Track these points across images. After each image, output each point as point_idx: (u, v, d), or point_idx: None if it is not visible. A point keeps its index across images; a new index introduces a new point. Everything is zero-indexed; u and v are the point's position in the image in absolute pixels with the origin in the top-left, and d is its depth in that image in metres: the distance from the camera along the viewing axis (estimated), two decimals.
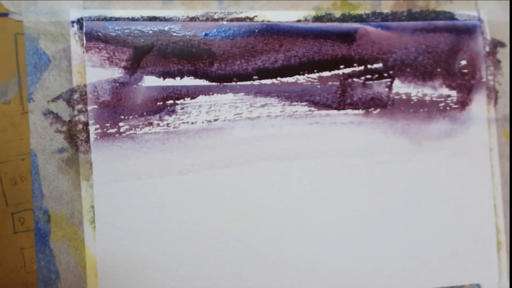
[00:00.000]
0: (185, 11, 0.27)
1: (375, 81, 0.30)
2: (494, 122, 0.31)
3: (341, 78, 0.29)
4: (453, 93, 0.31)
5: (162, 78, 0.26)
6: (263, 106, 0.28)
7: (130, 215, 0.26)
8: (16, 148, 0.25)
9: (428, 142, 0.30)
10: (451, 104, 0.31)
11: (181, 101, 0.27)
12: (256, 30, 0.28)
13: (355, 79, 0.29)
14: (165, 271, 0.26)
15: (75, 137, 0.25)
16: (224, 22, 0.28)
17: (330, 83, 0.29)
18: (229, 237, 0.27)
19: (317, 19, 0.29)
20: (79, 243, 0.25)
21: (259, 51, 0.28)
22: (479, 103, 0.31)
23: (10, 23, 0.25)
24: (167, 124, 0.26)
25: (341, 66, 0.29)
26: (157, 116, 0.26)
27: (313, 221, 0.28)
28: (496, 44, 0.32)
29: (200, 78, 0.27)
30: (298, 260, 0.28)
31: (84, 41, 0.26)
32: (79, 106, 0.26)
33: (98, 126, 0.25)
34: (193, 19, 0.27)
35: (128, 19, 0.27)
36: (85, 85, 0.26)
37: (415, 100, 0.30)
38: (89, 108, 0.25)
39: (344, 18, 0.30)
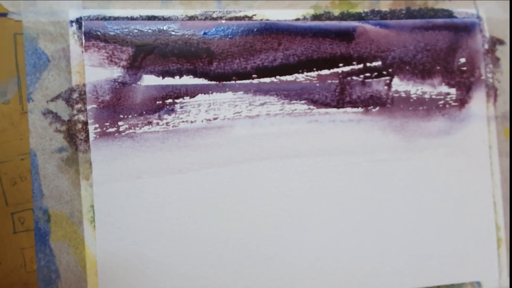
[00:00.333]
0: (184, 10, 0.27)
1: (374, 79, 0.30)
2: (494, 119, 0.31)
3: (340, 76, 0.29)
4: (452, 90, 0.31)
5: (161, 77, 0.26)
6: (262, 104, 0.28)
7: (130, 214, 0.26)
8: (15, 148, 0.25)
9: (428, 140, 0.30)
10: (450, 102, 0.31)
11: (181, 100, 0.27)
12: (255, 29, 0.28)
13: (354, 77, 0.29)
14: (165, 270, 0.26)
15: (74, 136, 0.25)
16: (223, 21, 0.28)
17: (329, 81, 0.29)
18: (229, 236, 0.27)
19: (315, 17, 0.29)
20: (79, 243, 0.25)
21: (258, 50, 0.28)
22: (478, 100, 0.31)
23: (9, 23, 0.25)
24: (167, 123, 0.26)
25: (340, 65, 0.29)
26: (157, 115, 0.26)
27: (313, 219, 0.28)
28: (495, 42, 0.32)
29: (199, 77, 0.27)
30: (298, 258, 0.28)
31: (83, 41, 0.26)
32: (79, 106, 0.26)
33: (97, 125, 0.25)
34: (192, 18, 0.27)
35: (127, 18, 0.27)
36: (84, 85, 0.26)
37: (414, 98, 0.30)
38: (89, 107, 0.25)
39: (343, 17, 0.30)
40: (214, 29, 0.27)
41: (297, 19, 0.29)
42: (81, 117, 0.26)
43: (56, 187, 0.25)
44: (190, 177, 0.26)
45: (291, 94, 0.28)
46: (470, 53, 0.31)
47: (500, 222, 0.31)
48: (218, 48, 0.27)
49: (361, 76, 0.29)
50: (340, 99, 0.29)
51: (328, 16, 0.29)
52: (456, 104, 0.31)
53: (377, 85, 0.30)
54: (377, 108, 0.30)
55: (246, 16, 0.28)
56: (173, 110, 0.27)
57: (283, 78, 0.28)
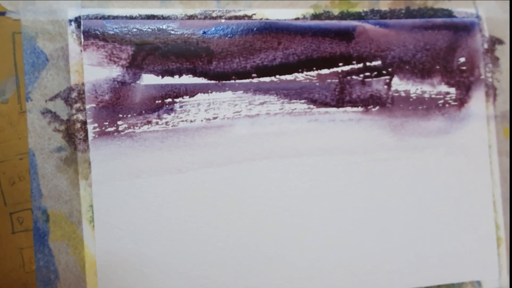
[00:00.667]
0: (183, 10, 0.27)
1: (374, 79, 0.30)
2: (493, 119, 0.31)
3: (340, 75, 0.29)
4: (452, 90, 0.31)
5: (160, 77, 0.26)
6: (262, 104, 0.28)
7: (129, 214, 0.26)
8: (14, 147, 0.25)
9: (427, 139, 0.30)
10: (450, 101, 0.31)
11: (180, 99, 0.27)
12: (255, 28, 0.28)
13: (354, 77, 0.29)
14: (165, 270, 0.26)
15: (73, 136, 0.25)
16: (223, 20, 0.28)
17: (328, 80, 0.29)
18: (229, 236, 0.27)
19: (315, 17, 0.29)
20: (78, 243, 0.25)
21: (258, 49, 0.28)
22: (477, 100, 0.31)
23: (8, 22, 0.25)
24: (166, 123, 0.26)
25: (340, 64, 0.29)
26: (156, 114, 0.26)
27: (313, 218, 0.28)
28: (494, 41, 0.32)
29: (199, 76, 0.27)
30: (298, 257, 0.28)
31: (82, 40, 0.25)
32: (77, 105, 0.25)
33: (96, 124, 0.25)
34: (191, 17, 0.27)
35: (126, 17, 0.27)
36: (83, 84, 0.25)
37: (414, 98, 0.30)
38: (87, 106, 0.25)
39: (343, 16, 0.30)
40: (213, 28, 0.27)
41: (297, 19, 0.29)
42: (80, 116, 0.25)
43: (55, 187, 0.25)
44: (189, 176, 0.26)
45: (291, 93, 0.28)
46: (470, 53, 0.31)
47: (500, 221, 0.31)
48: (217, 47, 0.27)
49: (361, 75, 0.29)
50: (340, 98, 0.29)
51: (327, 16, 0.29)
52: (455, 103, 0.31)
53: (377, 85, 0.30)
54: (377, 107, 0.30)
55: (246, 15, 0.28)
56: (172, 110, 0.26)
57: (283, 77, 0.28)
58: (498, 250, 0.31)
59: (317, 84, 0.29)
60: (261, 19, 0.28)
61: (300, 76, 0.28)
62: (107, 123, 0.26)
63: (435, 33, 0.31)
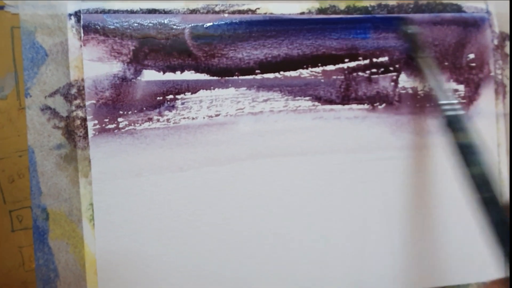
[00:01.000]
0: (185, 3, 0.27)
1: (381, 75, 0.29)
2: (502, 117, 0.31)
3: (346, 72, 0.28)
4: (461, 87, 0.30)
5: (162, 72, 0.26)
6: (265, 100, 0.27)
7: (130, 213, 0.25)
8: (13, 144, 0.24)
9: (435, 138, 0.29)
10: (458, 98, 0.30)
11: (182, 96, 0.26)
12: (259, 23, 0.27)
13: (360, 73, 0.28)
14: (166, 269, 0.26)
15: (73, 133, 0.25)
16: (226, 15, 0.27)
17: (334, 77, 0.28)
18: (231, 235, 0.26)
19: (321, 11, 0.28)
20: (78, 241, 0.25)
21: (261, 45, 0.27)
22: (487, 97, 0.30)
23: (6, 16, 0.24)
24: (167, 120, 0.26)
25: (346, 60, 0.28)
26: (157, 111, 0.26)
27: (316, 218, 0.28)
28: (504, 38, 0.31)
29: (201, 72, 0.26)
30: (301, 257, 0.27)
31: (82, 35, 0.25)
32: (77, 101, 0.25)
33: (96, 121, 0.25)
34: (193, 11, 0.27)
35: (127, 11, 0.26)
36: (83, 80, 0.25)
37: (422, 95, 0.30)
38: (87, 103, 0.25)
39: (349, 11, 0.29)
40: (216, 23, 0.27)
41: (302, 13, 0.28)
42: (80, 113, 0.25)
43: (54, 185, 0.25)
44: (191, 175, 0.26)
45: (295, 90, 0.28)
46: (479, 49, 0.30)
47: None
48: (220, 43, 0.27)
49: (367, 72, 0.29)
50: (345, 95, 0.28)
51: (333, 10, 0.29)
52: (464, 101, 0.30)
53: (384, 81, 0.29)
54: (383, 104, 0.29)
55: (249, 10, 0.27)
56: (174, 106, 0.26)
57: (287, 73, 0.27)
58: None
59: (322, 80, 0.28)
60: (265, 13, 0.28)
61: (304, 73, 0.28)
62: (107, 120, 0.25)
63: (444, 28, 0.30)
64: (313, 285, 0.27)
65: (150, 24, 0.26)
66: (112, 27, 0.25)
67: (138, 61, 0.26)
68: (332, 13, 0.28)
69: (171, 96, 0.26)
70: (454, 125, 0.25)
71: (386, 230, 0.28)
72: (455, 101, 0.26)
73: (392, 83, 0.29)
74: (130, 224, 0.25)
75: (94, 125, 0.25)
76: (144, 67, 0.26)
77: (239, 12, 0.27)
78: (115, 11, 0.26)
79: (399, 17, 0.29)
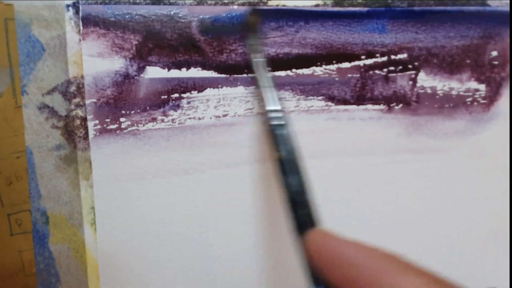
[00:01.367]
0: None
1: (398, 74, 0.27)
2: None
3: (362, 70, 0.27)
4: (482, 87, 0.29)
5: (166, 69, 0.24)
6: None
7: (133, 217, 0.24)
8: (10, 145, 0.23)
9: (452, 140, 0.28)
10: (479, 99, 0.29)
11: (188, 94, 0.25)
12: (270, 16, 0.25)
13: (376, 71, 0.27)
14: (170, 275, 0.25)
15: (72, 133, 0.24)
16: (235, 7, 0.25)
17: (349, 75, 0.26)
18: (237, 241, 0.25)
19: (337, 3, 0.26)
20: (79, 246, 0.24)
21: (272, 40, 0.25)
22: (508, 98, 0.29)
23: None
24: (172, 120, 0.24)
25: (362, 57, 0.27)
26: (161, 110, 0.24)
27: (326, 224, 0.26)
28: None
29: (208, 69, 0.25)
30: None
31: (81, 28, 0.23)
32: (77, 100, 0.24)
33: (97, 121, 0.24)
34: (200, 2, 0.25)
35: (129, 2, 0.24)
36: (82, 77, 0.23)
37: (441, 95, 0.28)
38: (87, 102, 0.23)
39: (367, 3, 0.27)
40: (225, 15, 0.25)
41: (317, 5, 0.26)
42: (80, 112, 0.24)
43: (54, 187, 0.23)
44: (197, 178, 0.25)
45: (307, 89, 0.26)
46: (503, 46, 0.29)
47: None
48: (229, 37, 0.25)
49: (385, 70, 0.27)
50: (360, 95, 0.27)
51: (351, 2, 0.27)
52: (484, 101, 0.29)
53: (401, 80, 0.27)
54: (400, 105, 0.27)
55: (261, 1, 0.26)
56: (179, 106, 0.24)
57: (299, 71, 0.26)
58: None
59: (337, 79, 0.26)
60: (277, 5, 0.26)
61: (318, 70, 0.26)
62: (108, 120, 0.24)
63: (466, 23, 0.28)
64: None
65: (154, 17, 0.24)
66: (113, 19, 0.24)
67: (141, 56, 0.24)
68: (349, 5, 0.27)
69: (176, 95, 0.24)
70: (276, 138, 0.21)
71: (398, 236, 0.27)
72: (281, 110, 0.22)
73: (410, 82, 0.27)
74: (133, 229, 0.24)
75: (95, 125, 0.23)
76: (148, 63, 0.24)
77: (250, 4, 0.25)
78: (117, 2, 0.24)
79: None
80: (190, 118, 0.25)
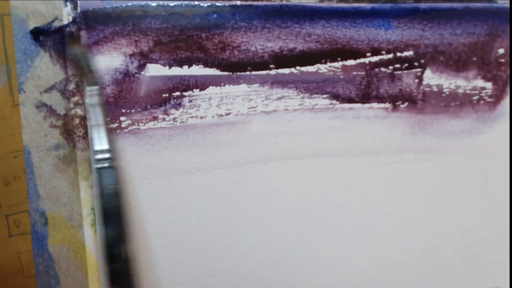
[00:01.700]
0: None
1: (404, 71, 0.27)
2: None
3: (367, 67, 0.26)
4: (488, 85, 0.28)
5: (168, 67, 0.24)
6: (279, 98, 0.25)
7: (134, 217, 0.24)
8: (7, 144, 0.22)
9: (459, 140, 0.28)
10: (485, 97, 0.28)
11: (189, 92, 0.24)
12: (274, 12, 0.25)
13: (382, 69, 0.26)
14: (172, 275, 0.24)
15: (71, 132, 0.23)
16: (238, 2, 0.24)
17: (354, 73, 0.26)
18: (240, 241, 0.25)
19: (342, 0, 0.26)
20: (79, 247, 0.23)
21: (276, 36, 0.25)
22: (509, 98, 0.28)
23: None
24: (174, 119, 0.24)
25: (368, 54, 0.26)
26: (163, 109, 0.24)
27: (331, 224, 0.26)
28: None
29: (211, 66, 0.24)
30: (313, 263, 0.26)
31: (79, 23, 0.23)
32: (75, 98, 0.23)
33: None
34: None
35: None
36: None
37: (447, 93, 0.27)
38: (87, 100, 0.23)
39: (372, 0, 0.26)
40: (227, 11, 0.24)
41: (321, 1, 0.26)
42: (79, 111, 0.23)
43: (53, 188, 0.23)
44: (199, 178, 0.24)
45: (312, 87, 0.25)
46: (510, 43, 0.28)
47: None
48: (231, 34, 0.24)
49: (390, 67, 0.26)
50: (365, 93, 0.26)
51: None
52: (491, 100, 0.28)
53: (407, 78, 0.27)
54: (406, 103, 0.27)
55: None
56: (181, 104, 0.24)
57: (304, 69, 0.25)
58: None
59: (342, 77, 0.26)
60: (281, 1, 0.25)
61: (323, 68, 0.25)
62: (108, 119, 0.23)
63: (473, 20, 0.27)
64: None
65: (155, 12, 0.23)
66: (112, 14, 0.23)
67: (141, 53, 0.23)
68: (355, 1, 0.26)
69: (177, 93, 0.24)
70: (99, 183, 0.20)
71: (402, 236, 0.27)
72: (108, 150, 0.21)
73: (416, 80, 0.27)
74: (134, 230, 0.24)
75: None
76: (149, 60, 0.23)
77: None
78: None
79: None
80: (192, 117, 0.24)
